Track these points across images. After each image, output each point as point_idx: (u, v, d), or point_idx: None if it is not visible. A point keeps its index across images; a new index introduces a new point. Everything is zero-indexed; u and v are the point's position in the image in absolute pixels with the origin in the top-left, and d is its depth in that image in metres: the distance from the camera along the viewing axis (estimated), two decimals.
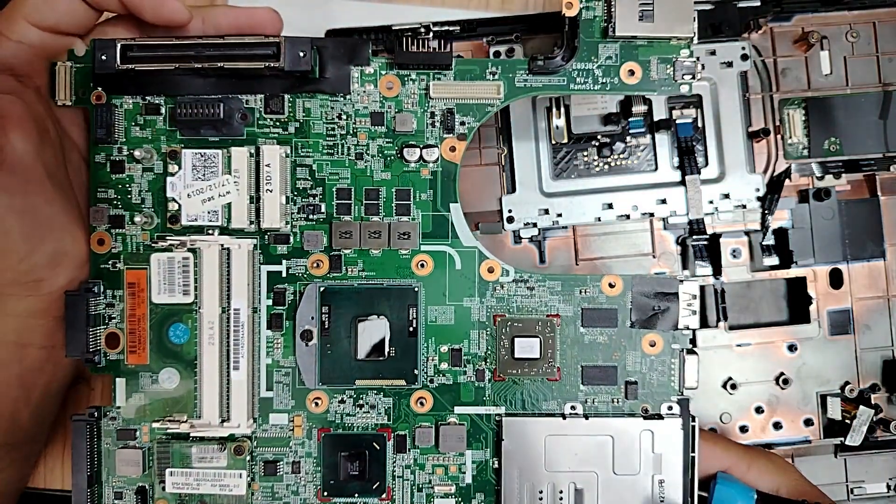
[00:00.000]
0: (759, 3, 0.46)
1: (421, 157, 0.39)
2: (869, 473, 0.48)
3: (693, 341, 0.46)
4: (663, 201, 0.47)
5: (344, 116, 0.39)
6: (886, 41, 0.47)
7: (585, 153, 0.48)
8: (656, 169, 0.48)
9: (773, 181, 0.47)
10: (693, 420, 0.38)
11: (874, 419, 0.44)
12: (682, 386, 0.39)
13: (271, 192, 0.38)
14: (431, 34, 0.44)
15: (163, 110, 0.39)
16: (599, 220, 0.47)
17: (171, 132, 0.39)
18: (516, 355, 0.39)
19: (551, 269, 0.48)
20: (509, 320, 0.39)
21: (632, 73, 0.38)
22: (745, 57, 0.46)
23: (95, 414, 0.39)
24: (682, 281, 0.39)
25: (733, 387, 0.47)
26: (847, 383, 0.47)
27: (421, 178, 0.39)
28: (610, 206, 0.47)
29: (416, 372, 0.39)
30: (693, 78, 0.38)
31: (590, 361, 0.39)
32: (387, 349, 0.39)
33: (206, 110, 0.38)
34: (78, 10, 0.37)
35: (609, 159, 0.48)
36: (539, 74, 0.38)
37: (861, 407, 0.44)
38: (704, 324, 0.47)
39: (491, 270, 0.39)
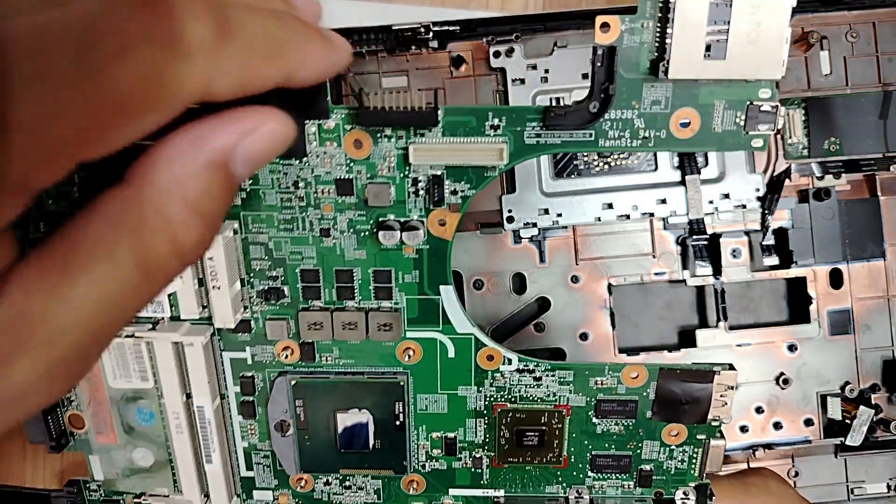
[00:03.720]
0: None
1: (401, 240, 0.31)
2: (869, 473, 0.48)
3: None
4: (663, 201, 0.47)
5: (302, 184, 0.30)
6: (886, 41, 0.47)
7: (585, 153, 0.48)
8: (656, 169, 0.48)
9: (773, 181, 0.47)
10: (711, 499, 0.35)
11: (874, 419, 0.44)
12: (702, 472, 0.35)
13: (219, 289, 0.31)
14: (431, 34, 0.44)
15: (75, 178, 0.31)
16: (599, 220, 0.47)
17: None
18: (518, 446, 0.35)
19: (551, 269, 0.48)
20: (511, 411, 0.34)
21: (686, 124, 0.28)
22: None
23: (74, 490, 0.37)
24: (718, 372, 0.33)
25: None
26: (847, 383, 0.47)
27: (404, 258, 0.32)
28: (610, 206, 0.47)
29: (405, 463, 0.35)
30: (772, 129, 0.28)
31: (601, 451, 0.35)
32: (371, 442, 0.35)
33: None
34: None
35: (609, 159, 0.48)
36: (557, 129, 0.29)
37: (861, 407, 0.44)
38: (704, 324, 0.47)
39: (491, 358, 0.34)
